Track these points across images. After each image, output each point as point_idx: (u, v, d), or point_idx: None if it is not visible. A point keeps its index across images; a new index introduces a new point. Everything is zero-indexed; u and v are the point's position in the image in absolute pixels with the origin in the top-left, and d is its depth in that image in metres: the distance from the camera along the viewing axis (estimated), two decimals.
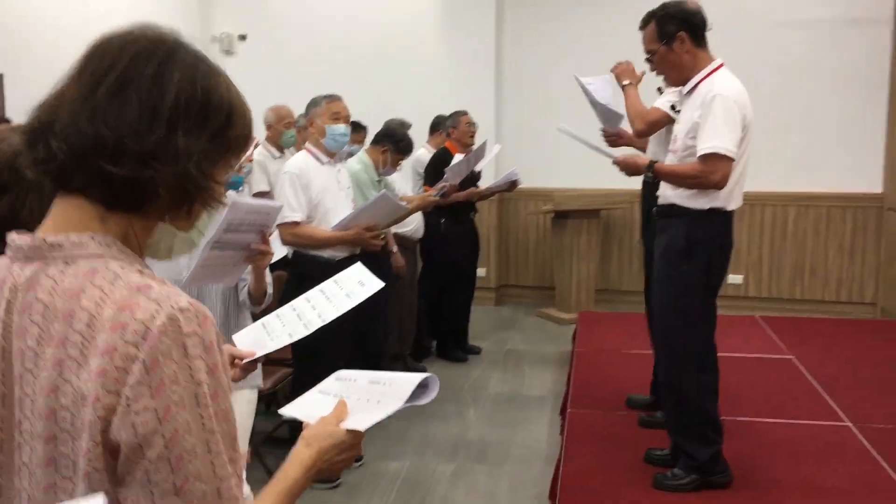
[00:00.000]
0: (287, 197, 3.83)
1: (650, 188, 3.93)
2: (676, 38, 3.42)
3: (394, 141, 4.89)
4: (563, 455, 3.77)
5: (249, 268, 2.85)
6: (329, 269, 3.84)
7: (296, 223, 3.84)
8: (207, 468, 0.90)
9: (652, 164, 3.55)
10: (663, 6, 3.51)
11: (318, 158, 3.99)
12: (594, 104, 4.24)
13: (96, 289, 0.93)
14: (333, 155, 4.06)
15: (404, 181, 5.71)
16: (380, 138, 4.98)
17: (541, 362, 6.05)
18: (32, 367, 0.94)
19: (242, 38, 8.11)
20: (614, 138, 4.40)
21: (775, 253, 7.47)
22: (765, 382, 4.90)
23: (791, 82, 7.25)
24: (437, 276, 5.95)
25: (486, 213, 7.76)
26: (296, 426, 3.92)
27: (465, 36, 7.74)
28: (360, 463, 4.21)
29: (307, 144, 4.08)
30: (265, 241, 2.64)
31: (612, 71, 4.18)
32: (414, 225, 5.49)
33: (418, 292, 5.87)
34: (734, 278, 7.49)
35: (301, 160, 3.99)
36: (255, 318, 3.08)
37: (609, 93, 4.24)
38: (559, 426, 4.54)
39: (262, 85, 7.63)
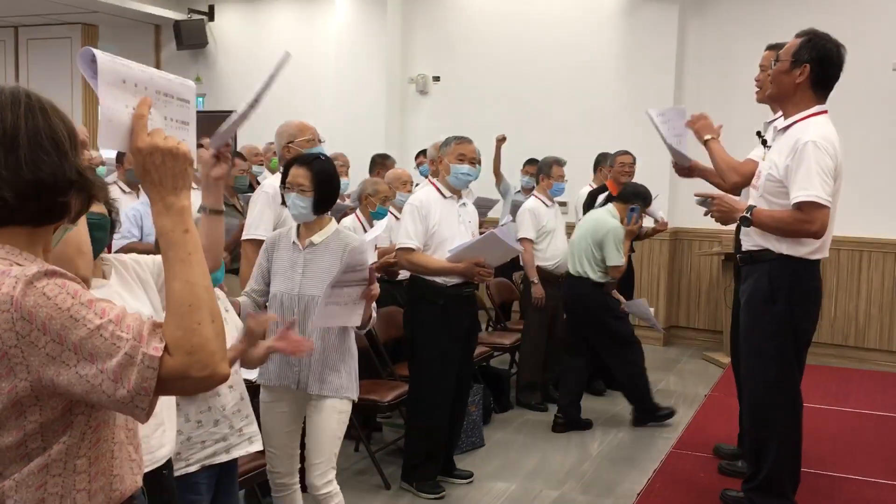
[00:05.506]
0: (406, 226, 4.24)
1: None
2: (801, 66, 3.39)
3: (642, 198, 5.40)
4: (644, 491, 3.86)
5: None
6: (442, 293, 4.21)
7: (411, 250, 4.23)
8: (85, 332, 1.22)
9: (751, 207, 3.48)
10: (819, 35, 3.44)
11: (441, 192, 4.35)
12: (664, 140, 4.12)
13: None
14: (458, 191, 4.43)
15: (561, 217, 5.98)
16: (628, 197, 5.41)
17: (686, 404, 6.00)
18: None
19: (436, 79, 8.75)
20: (686, 172, 4.25)
21: None
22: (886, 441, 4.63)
23: None
24: None
25: (657, 252, 7.78)
26: (413, 437, 4.27)
27: (645, 75, 7.85)
28: (469, 479, 4.50)
29: (432, 179, 4.47)
30: (372, 276, 3.15)
31: (688, 125, 4.05)
32: (557, 260, 5.72)
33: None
34: None
35: (424, 193, 4.37)
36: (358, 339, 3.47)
37: (681, 124, 4.12)
38: None
39: (451, 122, 8.21)
